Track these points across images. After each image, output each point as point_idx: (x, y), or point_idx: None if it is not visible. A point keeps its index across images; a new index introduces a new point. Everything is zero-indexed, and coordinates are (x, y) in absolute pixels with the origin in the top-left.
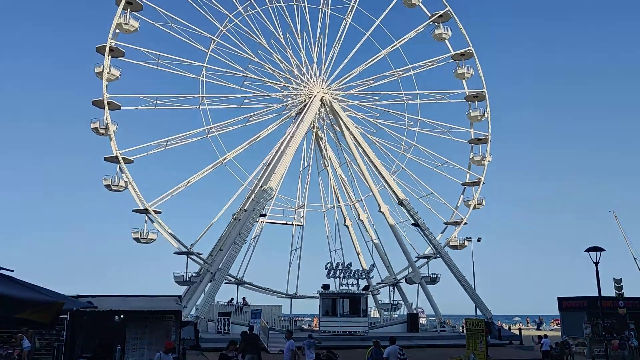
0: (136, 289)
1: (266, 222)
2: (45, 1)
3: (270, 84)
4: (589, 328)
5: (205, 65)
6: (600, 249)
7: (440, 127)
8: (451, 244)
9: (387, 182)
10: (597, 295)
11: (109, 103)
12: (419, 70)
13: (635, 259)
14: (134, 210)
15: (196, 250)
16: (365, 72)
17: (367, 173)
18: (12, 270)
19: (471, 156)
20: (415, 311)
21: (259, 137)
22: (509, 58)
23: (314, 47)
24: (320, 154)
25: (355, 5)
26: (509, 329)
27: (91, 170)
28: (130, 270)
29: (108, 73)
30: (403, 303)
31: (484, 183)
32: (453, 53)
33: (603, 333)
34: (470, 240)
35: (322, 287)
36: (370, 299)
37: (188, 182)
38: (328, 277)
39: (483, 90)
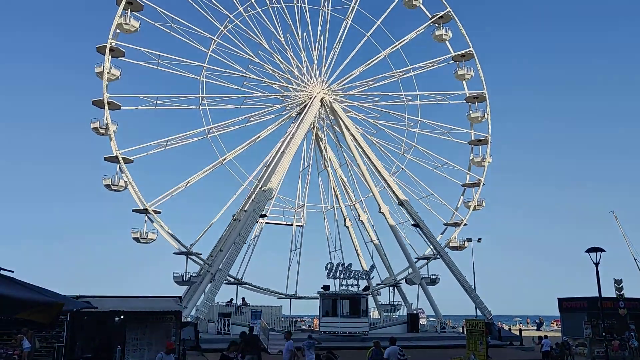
0: (136, 289)
1: (266, 223)
2: (45, 1)
3: (270, 85)
4: (589, 329)
5: (205, 65)
6: (601, 250)
7: (441, 128)
8: (451, 245)
9: (387, 183)
10: (598, 295)
11: (109, 103)
12: (420, 71)
13: (635, 259)
14: (133, 210)
15: (196, 250)
16: (366, 72)
17: (367, 174)
18: (12, 271)
19: (471, 157)
20: (415, 312)
21: (259, 137)
22: (510, 60)
23: (315, 48)
24: (320, 155)
25: (356, 6)
26: (509, 329)
27: (91, 170)
28: (129, 270)
29: (108, 73)
30: (403, 304)
31: (484, 184)
32: (453, 54)
33: (603, 334)
34: (471, 241)
35: (322, 288)
36: (371, 299)
37: (188, 182)
38: (328, 277)
39: (483, 91)
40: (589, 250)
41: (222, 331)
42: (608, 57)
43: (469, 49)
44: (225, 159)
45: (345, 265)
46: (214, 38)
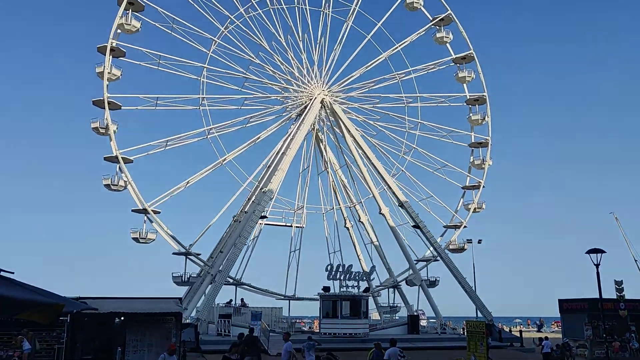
0: (135, 289)
1: (265, 224)
2: (46, 1)
3: (270, 86)
4: (589, 330)
5: (206, 66)
6: (601, 251)
7: (441, 130)
8: (451, 247)
9: (387, 184)
10: (598, 297)
11: (109, 103)
12: (420, 74)
13: (636, 260)
14: (133, 210)
15: (195, 250)
16: (366, 74)
17: (367, 175)
18: (13, 273)
19: (471, 159)
20: (415, 313)
21: (259, 138)
22: (511, 62)
23: (315, 49)
24: (320, 156)
25: (357, 8)
26: (510, 331)
27: (91, 170)
28: (129, 270)
29: (109, 73)
30: (403, 305)
31: (484, 186)
32: (454, 56)
33: (604, 335)
34: (471, 242)
35: (322, 289)
36: (371, 301)
37: (187, 183)
38: (328, 279)
39: (484, 93)
40: (589, 252)
41: (222, 332)
42: (610, 62)
43: (470, 52)
44: (225, 159)
45: (346, 266)
46: (215, 39)
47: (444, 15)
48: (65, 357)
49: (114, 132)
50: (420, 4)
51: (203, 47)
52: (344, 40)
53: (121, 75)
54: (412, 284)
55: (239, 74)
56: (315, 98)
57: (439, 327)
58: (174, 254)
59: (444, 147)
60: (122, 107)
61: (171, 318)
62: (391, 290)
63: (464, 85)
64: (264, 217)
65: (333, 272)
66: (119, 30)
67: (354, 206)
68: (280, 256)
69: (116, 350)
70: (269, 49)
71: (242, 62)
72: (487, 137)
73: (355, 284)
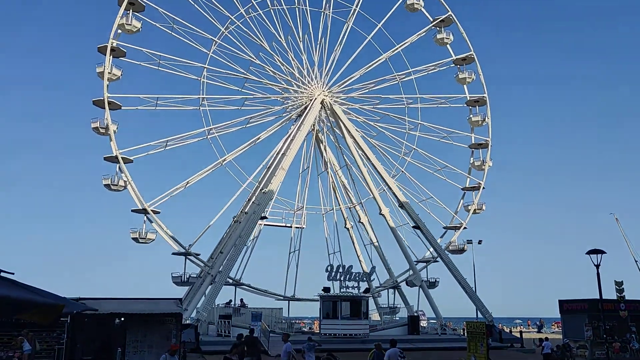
0: (135, 289)
1: (265, 225)
2: (46, 1)
3: (271, 86)
4: (590, 331)
5: (206, 66)
6: (602, 252)
7: (441, 131)
8: (451, 248)
9: (387, 185)
10: (599, 297)
11: (109, 103)
12: (420, 75)
13: (636, 261)
14: (132, 210)
15: (194, 251)
16: (366, 75)
17: (367, 175)
18: (13, 273)
19: (471, 161)
20: (416, 314)
21: (259, 138)
22: (511, 63)
23: (315, 50)
24: (320, 156)
25: (357, 9)
26: (510, 331)
27: (91, 170)
28: (129, 270)
29: (109, 73)
30: (403, 306)
31: (484, 188)
32: (454, 58)
33: (604, 336)
34: (471, 243)
35: (322, 290)
36: (371, 301)
37: (187, 183)
38: (328, 279)
39: (484, 95)
40: (589, 252)
41: (222, 333)
42: (608, 57)
43: (470, 53)
44: (225, 159)
45: (346, 267)
46: (215, 39)
47: (444, 16)
48: (66, 358)
49: (114, 132)
50: (421, 5)
51: (203, 48)
52: (344, 41)
53: (121, 75)
54: (412, 285)
55: (239, 74)
56: (316, 99)
57: (439, 327)
58: (173, 254)
59: (444, 148)
60: (122, 107)
61: (171, 319)
62: (391, 291)
63: (464, 86)
64: (264, 217)
65: (333, 273)
66: (119, 31)
67: (354, 207)
68: (280, 257)
69: (116, 351)
70: (269, 50)
71: (243, 63)
72: (487, 139)
73: (356, 284)
